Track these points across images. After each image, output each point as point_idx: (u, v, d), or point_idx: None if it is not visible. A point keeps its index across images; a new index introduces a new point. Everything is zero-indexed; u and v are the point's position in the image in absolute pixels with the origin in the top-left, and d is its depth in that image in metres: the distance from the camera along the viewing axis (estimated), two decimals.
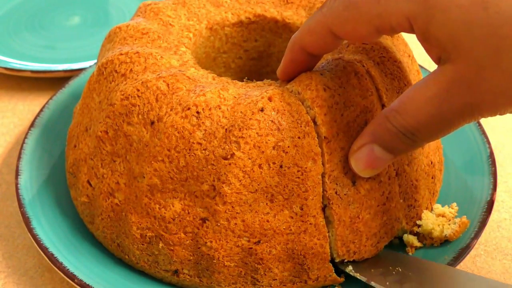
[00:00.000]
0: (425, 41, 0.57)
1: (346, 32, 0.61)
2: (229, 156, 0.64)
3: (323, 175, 0.65)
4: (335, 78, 0.67)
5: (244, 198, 0.65)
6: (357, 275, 0.68)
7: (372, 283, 0.67)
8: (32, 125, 0.89)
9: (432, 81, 0.57)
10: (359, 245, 0.68)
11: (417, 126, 0.57)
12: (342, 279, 0.70)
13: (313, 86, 0.65)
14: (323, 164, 0.65)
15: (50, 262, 0.72)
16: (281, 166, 0.64)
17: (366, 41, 0.63)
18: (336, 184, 0.66)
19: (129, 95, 0.69)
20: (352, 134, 0.66)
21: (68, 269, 0.70)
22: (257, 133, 0.64)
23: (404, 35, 0.78)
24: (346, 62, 0.68)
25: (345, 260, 0.69)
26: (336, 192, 0.66)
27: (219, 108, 0.66)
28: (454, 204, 0.77)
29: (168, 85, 0.68)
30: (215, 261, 0.67)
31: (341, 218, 0.66)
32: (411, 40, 0.73)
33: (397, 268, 0.69)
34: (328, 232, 0.68)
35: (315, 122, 0.65)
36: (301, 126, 0.65)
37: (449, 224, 0.74)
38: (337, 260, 0.69)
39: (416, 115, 0.57)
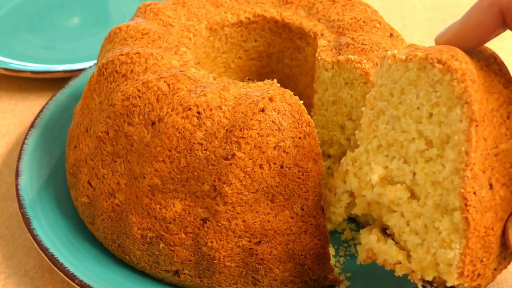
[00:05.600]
0: None
1: None
2: (230, 157, 0.64)
3: (464, 168, 0.53)
4: (474, 59, 0.56)
5: (244, 199, 0.65)
6: None
7: None
8: (32, 125, 0.89)
9: None
10: (485, 266, 0.55)
11: None
12: (343, 279, 0.70)
13: (460, 58, 0.54)
14: (466, 153, 0.53)
15: (50, 263, 0.72)
16: (281, 167, 0.64)
17: None
18: (475, 182, 0.53)
19: (130, 95, 0.69)
20: (495, 126, 0.56)
21: (68, 269, 0.70)
22: (258, 133, 0.64)
23: (404, 35, 0.78)
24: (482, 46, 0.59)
25: (464, 284, 0.55)
26: (474, 193, 0.53)
27: (220, 109, 0.66)
28: None
29: (169, 85, 0.68)
30: (215, 261, 0.67)
31: (476, 226, 0.53)
32: (410, 39, 0.74)
33: None
34: (451, 245, 0.55)
35: (464, 101, 0.53)
36: (302, 127, 0.65)
37: None
38: (455, 283, 0.55)
39: None
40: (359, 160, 0.63)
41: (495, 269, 0.57)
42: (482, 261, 0.54)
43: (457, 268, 0.54)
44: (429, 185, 0.57)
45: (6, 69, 1.05)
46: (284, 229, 0.66)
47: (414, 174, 0.58)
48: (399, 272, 0.60)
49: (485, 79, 0.55)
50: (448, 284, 0.55)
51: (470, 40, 0.55)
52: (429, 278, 0.57)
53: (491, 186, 0.55)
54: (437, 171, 0.56)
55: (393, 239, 0.61)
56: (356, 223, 0.79)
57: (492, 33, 0.55)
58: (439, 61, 0.54)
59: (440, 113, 0.55)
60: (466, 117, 0.52)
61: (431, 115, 0.56)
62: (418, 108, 0.57)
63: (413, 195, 0.59)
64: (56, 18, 1.21)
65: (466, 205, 0.53)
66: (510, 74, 0.57)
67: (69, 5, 1.24)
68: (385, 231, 0.62)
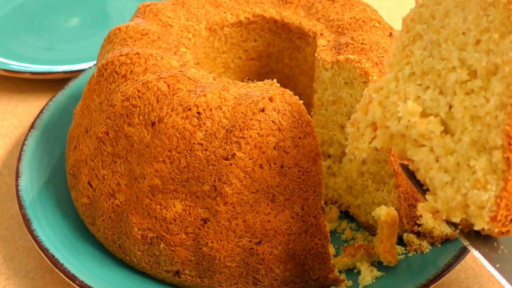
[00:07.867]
0: None
1: None
2: (230, 157, 0.64)
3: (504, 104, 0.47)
4: None
5: (245, 199, 0.65)
6: (460, 236, 0.54)
7: (475, 252, 0.53)
8: (32, 126, 0.89)
9: None
10: None
11: None
12: (343, 279, 0.70)
13: None
14: None
15: (51, 264, 0.72)
16: (282, 167, 0.64)
17: None
18: None
19: (129, 96, 0.69)
20: None
21: (69, 270, 0.70)
22: (258, 133, 0.64)
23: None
24: None
25: (494, 229, 0.50)
26: None
27: (220, 109, 0.66)
28: None
29: (168, 85, 0.68)
30: (216, 261, 0.67)
31: None
32: None
33: (501, 247, 0.54)
34: (486, 186, 0.50)
35: None
36: (302, 126, 0.65)
37: None
38: (485, 227, 0.50)
39: None
40: (386, 88, 0.58)
41: None
42: None
43: (489, 212, 0.49)
44: (467, 120, 0.51)
45: (6, 70, 1.05)
46: (285, 229, 0.66)
47: (451, 106, 0.52)
48: (421, 211, 0.55)
49: None
50: (476, 228, 0.51)
51: None
52: (456, 220, 0.52)
53: None
54: (478, 105, 0.50)
55: (415, 176, 0.56)
56: (356, 223, 0.79)
57: None
58: None
59: (490, 40, 0.49)
60: None
61: (478, 41, 0.50)
62: (463, 33, 0.51)
63: (446, 130, 0.53)
64: (55, 19, 1.21)
65: (509, 144, 0.47)
66: None
67: (68, 6, 1.24)
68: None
